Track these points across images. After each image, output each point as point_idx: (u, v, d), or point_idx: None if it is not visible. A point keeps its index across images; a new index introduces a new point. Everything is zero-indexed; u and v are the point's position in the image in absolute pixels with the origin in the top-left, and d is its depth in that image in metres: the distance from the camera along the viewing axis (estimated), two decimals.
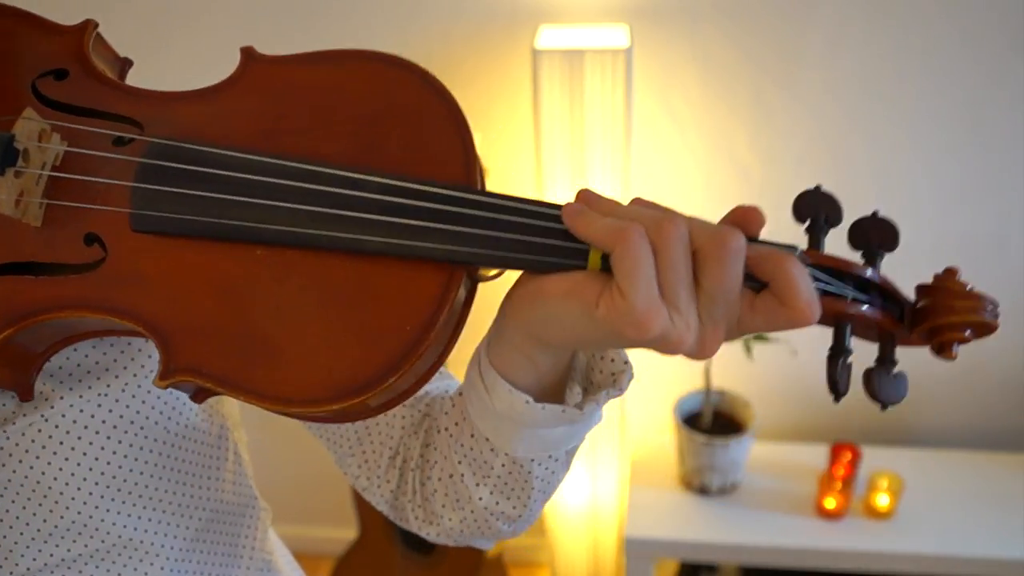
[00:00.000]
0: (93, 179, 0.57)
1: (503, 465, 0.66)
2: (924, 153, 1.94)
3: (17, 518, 0.65)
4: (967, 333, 0.56)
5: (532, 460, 0.66)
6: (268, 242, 0.55)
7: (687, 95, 1.91)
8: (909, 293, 0.59)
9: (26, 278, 0.58)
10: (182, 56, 1.92)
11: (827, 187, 0.57)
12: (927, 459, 2.06)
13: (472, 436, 0.67)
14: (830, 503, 1.90)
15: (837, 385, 0.55)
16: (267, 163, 0.57)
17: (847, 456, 1.92)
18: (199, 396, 0.57)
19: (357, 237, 0.54)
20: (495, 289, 0.62)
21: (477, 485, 0.69)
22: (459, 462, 0.69)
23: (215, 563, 0.78)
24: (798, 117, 1.91)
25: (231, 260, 0.56)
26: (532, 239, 0.54)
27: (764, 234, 0.54)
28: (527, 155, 1.91)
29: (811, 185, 0.58)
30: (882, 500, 1.90)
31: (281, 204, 0.55)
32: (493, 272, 0.58)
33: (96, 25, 0.65)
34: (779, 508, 1.94)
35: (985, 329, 0.56)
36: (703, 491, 1.99)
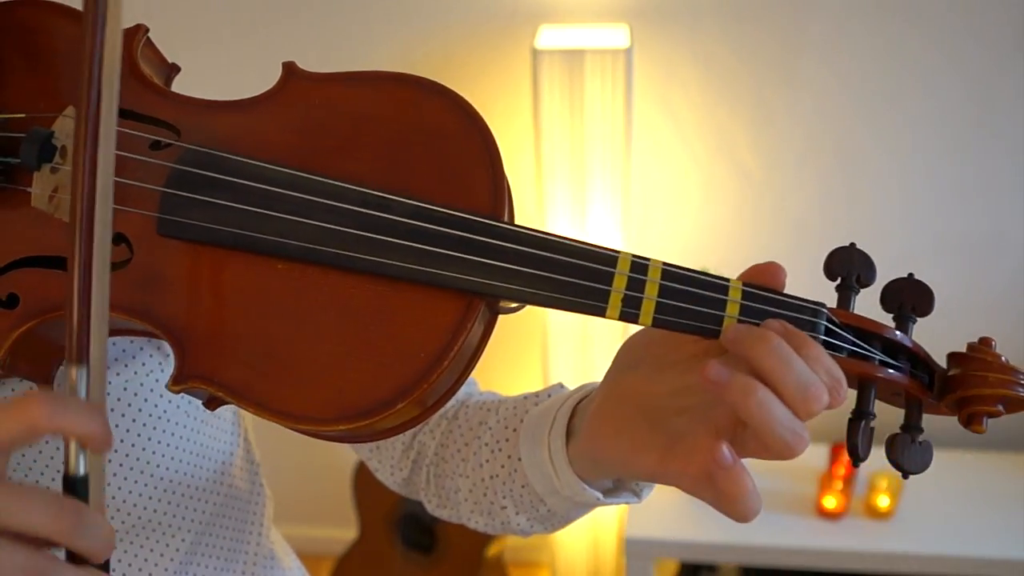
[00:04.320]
0: (126, 181, 0.58)
1: (549, 510, 0.69)
2: (924, 153, 1.94)
3: None
4: (998, 407, 0.53)
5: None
6: (290, 257, 0.56)
7: (687, 95, 1.91)
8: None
9: (53, 272, 0.58)
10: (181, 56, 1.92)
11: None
12: None
13: (524, 487, 0.68)
14: (830, 503, 1.90)
15: (857, 449, 0.54)
16: (296, 178, 0.57)
17: (847, 456, 1.91)
18: (211, 404, 0.57)
19: (379, 260, 0.55)
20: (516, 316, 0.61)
21: (517, 514, 0.71)
22: (504, 497, 0.70)
23: (224, 546, 0.79)
24: (798, 118, 1.91)
25: (252, 272, 0.56)
26: (555, 276, 0.54)
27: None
28: (527, 155, 1.91)
29: (845, 243, 0.57)
30: (882, 500, 1.90)
31: (306, 221, 0.56)
32: (514, 305, 0.57)
33: (147, 30, 0.66)
34: (779, 508, 1.93)
35: (1018, 404, 0.53)
36: None
